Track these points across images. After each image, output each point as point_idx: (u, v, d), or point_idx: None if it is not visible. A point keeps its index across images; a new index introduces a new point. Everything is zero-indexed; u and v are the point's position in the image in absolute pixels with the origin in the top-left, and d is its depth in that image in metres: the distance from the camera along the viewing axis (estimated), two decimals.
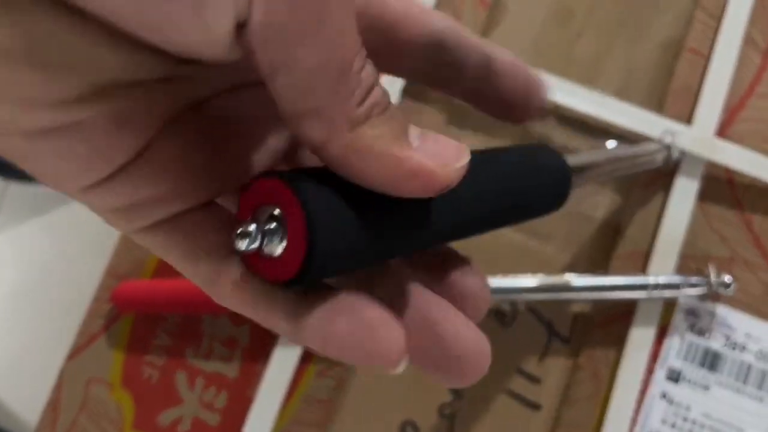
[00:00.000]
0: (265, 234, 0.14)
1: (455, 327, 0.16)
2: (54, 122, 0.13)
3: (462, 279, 0.18)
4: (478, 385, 0.34)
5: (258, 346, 0.34)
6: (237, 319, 0.35)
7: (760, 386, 0.34)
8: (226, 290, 0.16)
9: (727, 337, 0.34)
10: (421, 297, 0.17)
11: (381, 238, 0.15)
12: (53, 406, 0.34)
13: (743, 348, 0.34)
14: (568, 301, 0.35)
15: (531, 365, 0.34)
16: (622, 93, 0.37)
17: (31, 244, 0.38)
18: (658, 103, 0.36)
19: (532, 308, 0.35)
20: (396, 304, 0.16)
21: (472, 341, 0.16)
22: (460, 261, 0.18)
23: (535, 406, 0.34)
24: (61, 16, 0.13)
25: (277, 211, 0.14)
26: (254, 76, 0.17)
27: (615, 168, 0.28)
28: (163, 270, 0.35)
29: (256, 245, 0.14)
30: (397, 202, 0.15)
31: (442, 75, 0.19)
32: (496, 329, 0.35)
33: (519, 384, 0.34)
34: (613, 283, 0.33)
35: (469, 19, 0.37)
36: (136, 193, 0.15)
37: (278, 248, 0.14)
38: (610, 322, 0.34)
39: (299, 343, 0.16)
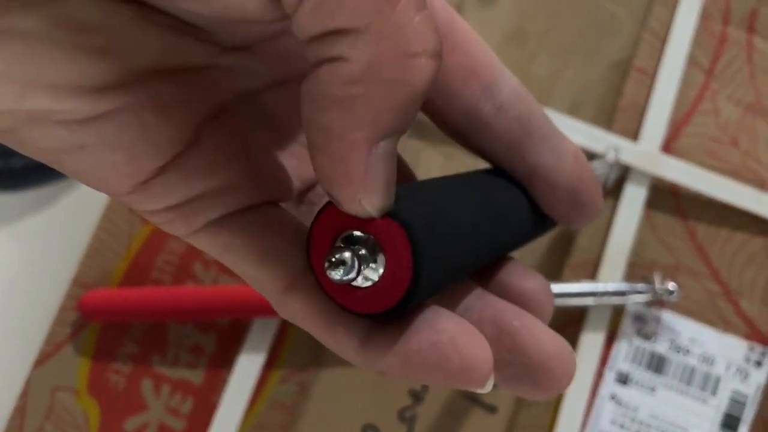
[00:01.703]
0: (361, 262, 0.13)
1: (534, 334, 0.15)
2: (96, 109, 0.13)
3: (521, 282, 0.17)
4: (437, 390, 0.35)
5: (223, 353, 0.35)
6: (203, 327, 0.36)
7: (703, 388, 0.36)
8: (296, 309, 0.15)
9: (672, 342, 0.36)
10: (492, 305, 0.16)
11: (469, 251, 0.15)
12: (19, 413, 0.34)
13: (687, 352, 0.36)
14: None
15: None
16: (574, 110, 0.39)
17: None
18: (607, 120, 0.38)
19: None
20: (465, 316, 0.15)
21: (554, 347, 0.15)
22: (514, 264, 0.17)
23: (491, 409, 0.36)
24: None
25: (363, 236, 0.13)
26: (301, 65, 0.16)
27: None
28: (130, 279, 0.36)
29: (352, 275, 0.13)
30: (479, 207, 0.15)
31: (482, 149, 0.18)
32: None
33: None
34: (564, 290, 0.35)
35: None
36: (189, 186, 0.14)
37: (370, 278, 0.13)
38: (562, 327, 0.36)
39: (372, 369, 0.14)
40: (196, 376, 0.35)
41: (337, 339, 0.14)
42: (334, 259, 0.13)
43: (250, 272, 0.15)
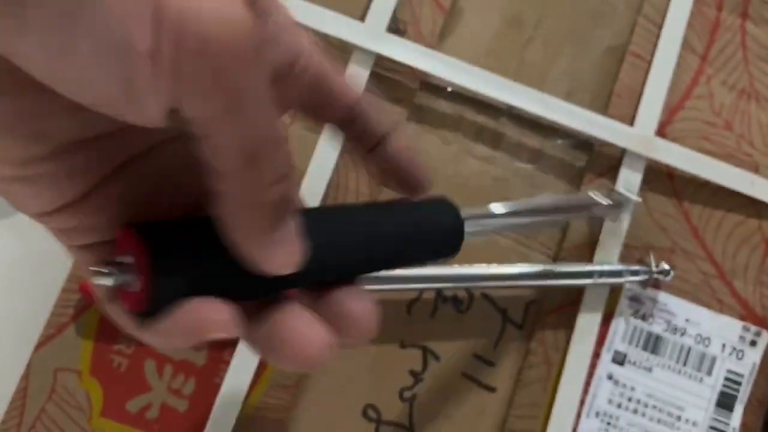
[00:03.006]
0: (121, 273, 0.17)
1: (291, 328, 0.18)
2: (22, 173, 0.17)
3: (347, 302, 0.19)
4: (436, 370, 0.36)
5: None
6: None
7: (698, 368, 0.36)
8: (113, 310, 0.19)
9: (668, 322, 0.37)
10: (276, 304, 0.18)
11: (225, 279, 0.18)
12: (21, 395, 0.35)
13: (683, 332, 0.37)
14: (522, 288, 0.37)
15: (486, 350, 0.36)
16: (571, 95, 0.39)
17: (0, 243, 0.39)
18: (603, 105, 0.39)
19: (487, 295, 0.37)
20: (252, 308, 0.19)
21: (302, 343, 0.18)
22: (351, 287, 0.20)
23: (490, 389, 0.36)
24: (25, 94, 0.16)
25: (131, 259, 0.18)
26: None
27: (543, 219, 0.31)
28: None
29: (109, 282, 0.17)
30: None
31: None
32: (453, 316, 0.36)
33: (475, 368, 0.36)
34: (561, 270, 0.35)
35: (427, 23, 0.39)
36: (77, 221, 0.18)
37: (135, 286, 0.18)
38: (560, 309, 0.36)
39: (146, 341, 0.19)
40: (198, 357, 0.35)
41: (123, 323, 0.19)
42: (95, 271, 0.17)
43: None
